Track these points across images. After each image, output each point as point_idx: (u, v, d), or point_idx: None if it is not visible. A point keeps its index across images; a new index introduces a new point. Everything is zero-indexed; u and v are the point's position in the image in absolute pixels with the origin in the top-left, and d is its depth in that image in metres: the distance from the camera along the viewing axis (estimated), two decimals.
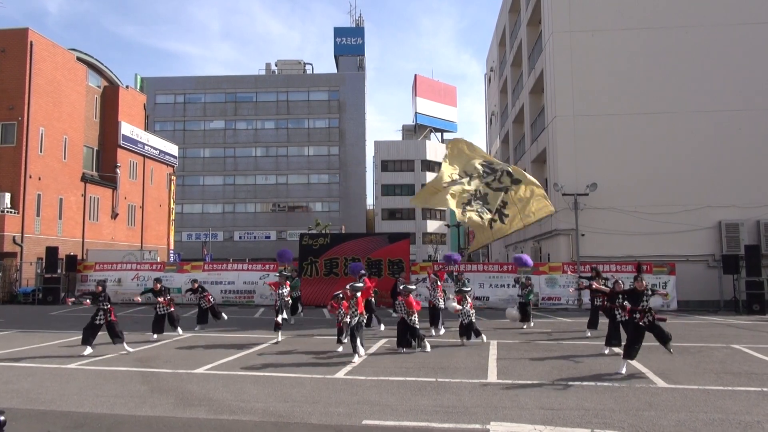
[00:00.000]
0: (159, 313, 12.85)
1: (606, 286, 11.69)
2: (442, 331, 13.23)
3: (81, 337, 10.84)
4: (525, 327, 14.51)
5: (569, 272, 20.77)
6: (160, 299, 12.80)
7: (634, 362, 9.69)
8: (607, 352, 10.48)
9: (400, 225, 58.72)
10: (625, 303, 9.39)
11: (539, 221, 17.76)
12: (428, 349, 10.78)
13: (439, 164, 68.62)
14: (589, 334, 12.97)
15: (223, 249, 58.11)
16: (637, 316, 8.83)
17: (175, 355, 10.66)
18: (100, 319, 10.65)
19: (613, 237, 21.33)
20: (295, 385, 8.07)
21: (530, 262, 17.01)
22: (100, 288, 10.90)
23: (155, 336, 12.69)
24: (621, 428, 5.98)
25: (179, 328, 13.34)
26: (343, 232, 48.18)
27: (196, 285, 14.55)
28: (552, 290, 20.50)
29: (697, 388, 7.76)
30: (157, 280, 13.34)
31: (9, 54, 26.80)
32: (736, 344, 11.69)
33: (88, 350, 10.62)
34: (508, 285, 20.87)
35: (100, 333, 10.87)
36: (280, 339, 12.29)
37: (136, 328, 14.13)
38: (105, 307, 10.71)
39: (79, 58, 30.77)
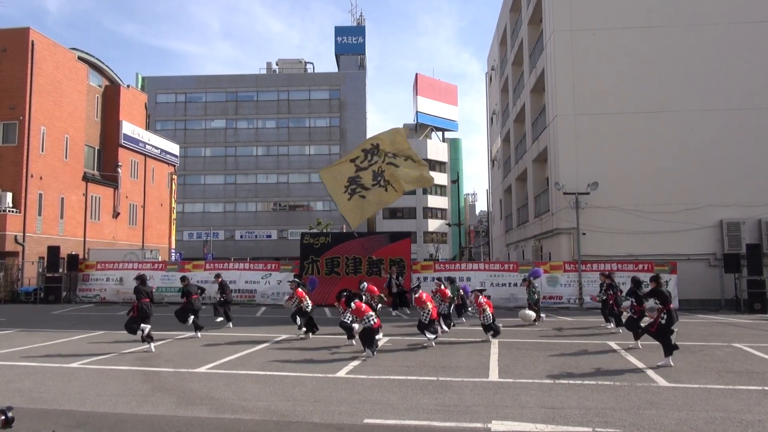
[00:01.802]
0: (195, 307, 12.88)
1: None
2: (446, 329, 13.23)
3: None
4: (537, 323, 14.84)
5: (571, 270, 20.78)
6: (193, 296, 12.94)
7: (634, 360, 9.72)
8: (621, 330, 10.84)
9: (401, 224, 58.72)
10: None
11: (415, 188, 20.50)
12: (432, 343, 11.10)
13: (441, 163, 68.59)
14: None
15: (224, 248, 58.17)
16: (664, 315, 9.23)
17: (177, 354, 10.67)
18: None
19: (615, 236, 21.32)
20: (297, 384, 8.07)
21: (540, 272, 17.51)
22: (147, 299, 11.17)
23: (199, 335, 12.74)
24: (622, 427, 5.98)
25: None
26: (344, 231, 48.17)
27: (220, 280, 15.02)
28: (553, 289, 20.48)
29: (699, 386, 7.77)
30: (183, 278, 13.60)
31: (10, 53, 26.83)
32: (738, 343, 11.69)
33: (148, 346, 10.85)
34: (509, 284, 20.86)
35: (119, 332, 11.39)
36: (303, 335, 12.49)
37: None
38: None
39: (80, 58, 30.80)
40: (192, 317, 12.83)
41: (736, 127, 21.47)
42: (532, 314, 14.82)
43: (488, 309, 11.93)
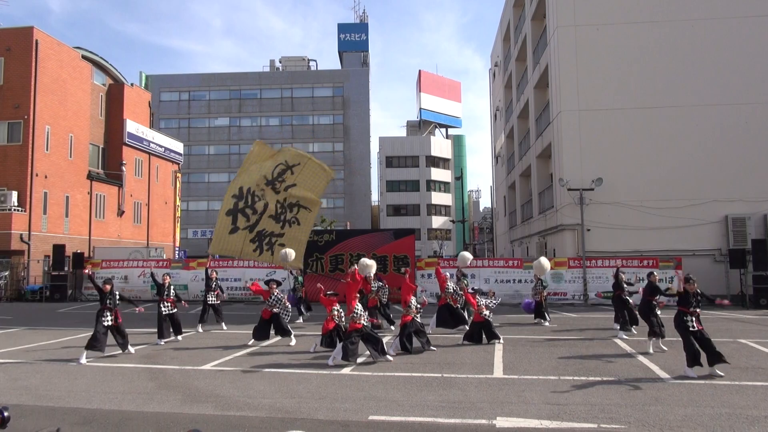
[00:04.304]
0: (163, 312, 11.74)
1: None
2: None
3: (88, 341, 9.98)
4: (546, 324, 14.31)
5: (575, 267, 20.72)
6: (168, 298, 11.89)
7: (640, 356, 9.68)
8: (625, 336, 10.52)
9: (405, 221, 58.69)
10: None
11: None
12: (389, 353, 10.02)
13: (444, 160, 68.26)
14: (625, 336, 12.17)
15: None
16: (687, 318, 8.35)
17: (182, 352, 10.70)
18: (107, 320, 10.08)
19: (619, 232, 21.25)
20: (302, 381, 8.09)
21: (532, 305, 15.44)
22: (108, 287, 10.25)
23: (163, 342, 11.68)
24: (627, 423, 5.96)
25: (179, 336, 12.18)
26: (348, 228, 48.16)
27: (215, 275, 14.29)
28: (558, 285, 20.42)
29: (704, 382, 7.74)
30: (167, 274, 12.51)
31: (14, 53, 26.89)
32: (743, 339, 11.65)
33: (86, 356, 9.85)
34: (514, 281, 20.83)
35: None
36: (293, 342, 11.58)
37: (143, 325, 14.16)
38: (111, 307, 10.17)
39: (83, 57, 30.82)
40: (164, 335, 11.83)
41: (742, 122, 21.36)
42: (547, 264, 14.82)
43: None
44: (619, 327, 12.30)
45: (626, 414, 6.28)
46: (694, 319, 8.31)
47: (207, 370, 8.95)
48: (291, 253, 14.02)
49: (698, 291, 8.59)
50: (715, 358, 8.07)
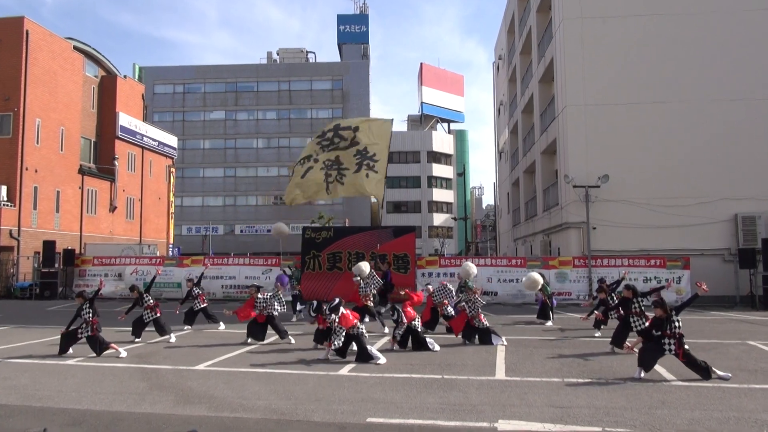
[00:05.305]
0: (144, 320, 11.73)
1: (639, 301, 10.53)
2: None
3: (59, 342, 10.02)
4: (548, 324, 14.21)
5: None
6: (148, 303, 11.79)
7: None
8: (616, 351, 10.22)
9: (406, 218, 58.58)
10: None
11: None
12: (436, 348, 10.41)
13: (446, 155, 67.90)
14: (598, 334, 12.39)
15: (223, 243, 57.84)
16: (665, 340, 8.07)
17: (175, 352, 10.53)
18: (81, 333, 9.87)
19: (626, 230, 20.93)
20: (298, 382, 7.92)
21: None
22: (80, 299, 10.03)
23: (137, 339, 11.70)
24: (633, 426, 5.84)
25: (172, 335, 11.87)
26: (347, 225, 47.92)
27: (191, 285, 14.08)
28: (562, 285, 20.17)
29: (712, 385, 7.58)
30: (131, 288, 12.41)
31: (4, 43, 26.52)
32: (752, 341, 11.47)
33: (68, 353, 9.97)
34: (517, 280, 20.54)
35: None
36: (293, 341, 11.52)
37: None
38: (88, 318, 9.86)
39: (75, 48, 30.44)
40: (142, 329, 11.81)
41: (752, 118, 20.99)
42: (539, 278, 14.14)
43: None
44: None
45: (632, 417, 6.14)
46: (673, 342, 7.98)
47: (201, 371, 8.78)
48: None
49: (671, 314, 8.05)
50: (705, 373, 7.90)
